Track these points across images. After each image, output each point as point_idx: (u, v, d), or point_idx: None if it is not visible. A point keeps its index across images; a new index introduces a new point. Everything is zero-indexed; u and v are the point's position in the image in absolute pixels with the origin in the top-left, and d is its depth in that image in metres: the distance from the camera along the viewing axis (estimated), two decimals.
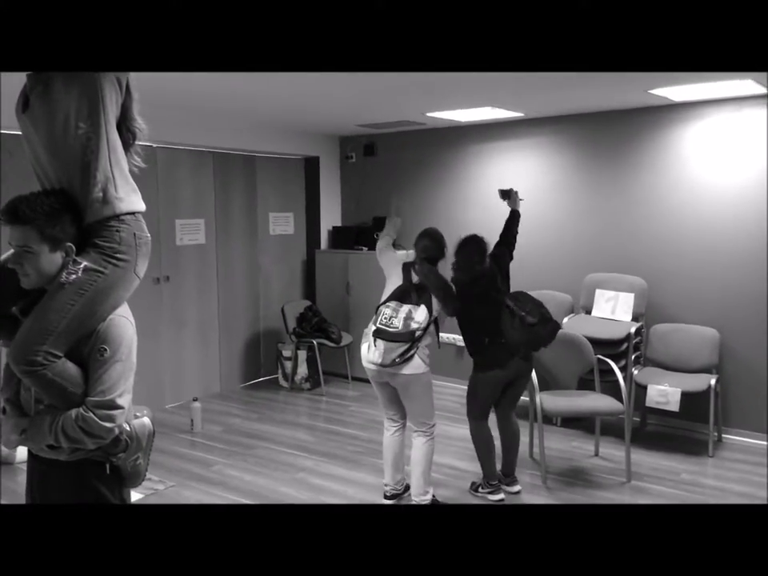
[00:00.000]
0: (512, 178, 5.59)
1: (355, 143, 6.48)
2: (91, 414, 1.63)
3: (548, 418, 4.54)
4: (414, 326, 3.37)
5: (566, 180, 5.32)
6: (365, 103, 4.65)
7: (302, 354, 5.96)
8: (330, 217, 6.63)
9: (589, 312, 4.97)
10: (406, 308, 3.41)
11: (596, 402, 4.05)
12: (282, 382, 6.10)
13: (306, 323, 5.95)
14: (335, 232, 6.51)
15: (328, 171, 6.57)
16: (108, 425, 1.65)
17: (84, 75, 1.61)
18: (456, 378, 5.99)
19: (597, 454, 4.38)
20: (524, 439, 4.52)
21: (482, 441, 3.80)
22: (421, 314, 3.40)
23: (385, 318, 3.41)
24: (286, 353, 6.04)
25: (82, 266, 1.64)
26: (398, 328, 3.36)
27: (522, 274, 5.50)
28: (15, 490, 3.88)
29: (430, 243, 3.52)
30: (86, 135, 1.63)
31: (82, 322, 1.64)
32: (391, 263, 3.63)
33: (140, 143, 1.80)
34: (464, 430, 4.86)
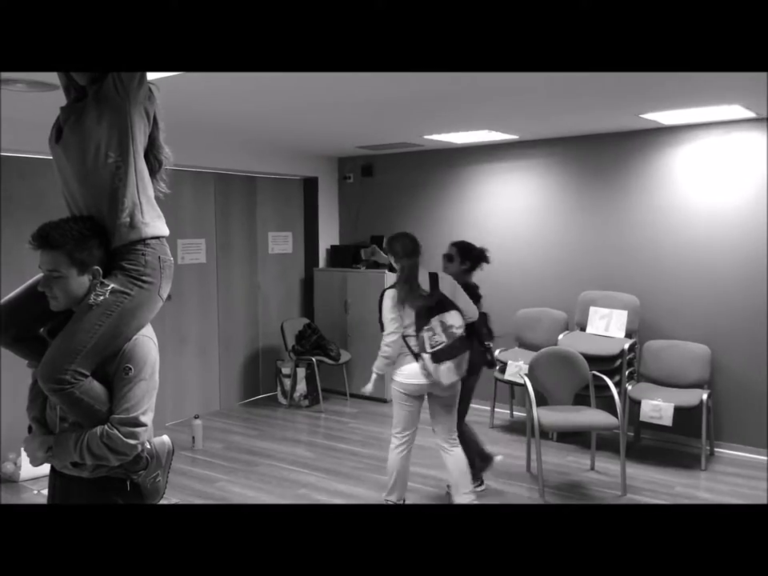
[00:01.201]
0: (507, 198, 5.72)
1: (353, 164, 6.60)
2: (116, 431, 1.70)
3: (545, 433, 4.62)
4: (456, 331, 3.47)
5: (560, 200, 5.45)
6: (364, 125, 4.77)
7: (301, 372, 6.03)
8: (328, 236, 6.74)
9: (583, 329, 5.08)
10: (436, 321, 3.46)
11: (592, 416, 4.14)
12: (281, 399, 6.16)
13: (305, 341, 6.02)
14: (333, 251, 6.61)
15: (326, 191, 6.69)
16: (132, 441, 1.72)
17: (114, 107, 1.69)
18: None
19: (593, 468, 4.47)
20: (521, 454, 4.61)
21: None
22: (454, 318, 3.49)
23: (431, 342, 3.44)
24: (285, 370, 6.11)
25: (109, 287, 1.72)
26: (445, 342, 3.44)
27: (517, 292, 5.63)
28: None
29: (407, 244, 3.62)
30: (116, 164, 1.72)
31: (108, 341, 1.72)
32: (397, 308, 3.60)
33: (166, 169, 1.89)
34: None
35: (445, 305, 3.54)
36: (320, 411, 5.91)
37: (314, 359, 5.93)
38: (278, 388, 6.22)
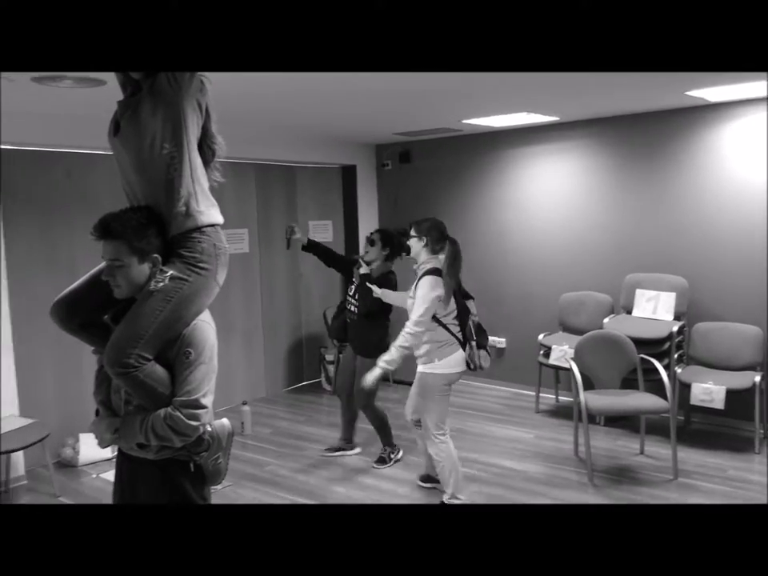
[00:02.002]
0: (548, 180, 5.66)
1: (391, 151, 6.59)
2: (179, 413, 1.75)
3: (592, 417, 4.58)
4: (475, 318, 3.59)
5: (604, 182, 5.36)
6: (401, 111, 4.75)
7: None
8: (368, 223, 6.75)
9: (629, 312, 5.01)
10: (471, 308, 3.62)
11: (641, 400, 4.09)
12: (326, 386, 6.23)
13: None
14: None
15: (365, 179, 6.70)
16: (194, 423, 1.77)
17: (168, 100, 1.74)
18: (495, 380, 6.07)
19: (642, 452, 4.42)
20: (568, 438, 4.59)
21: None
22: (472, 305, 3.61)
23: (475, 329, 3.58)
24: (329, 357, 6.18)
25: (168, 274, 1.77)
26: (473, 334, 3.58)
27: (561, 276, 5.57)
28: (79, 490, 4.06)
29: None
30: (170, 155, 1.76)
31: (169, 326, 1.77)
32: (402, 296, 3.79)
33: (219, 159, 1.93)
34: (507, 431, 4.95)
35: (466, 292, 3.66)
36: None
37: None
38: (322, 374, 6.29)
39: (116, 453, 1.98)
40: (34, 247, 4.43)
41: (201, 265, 1.81)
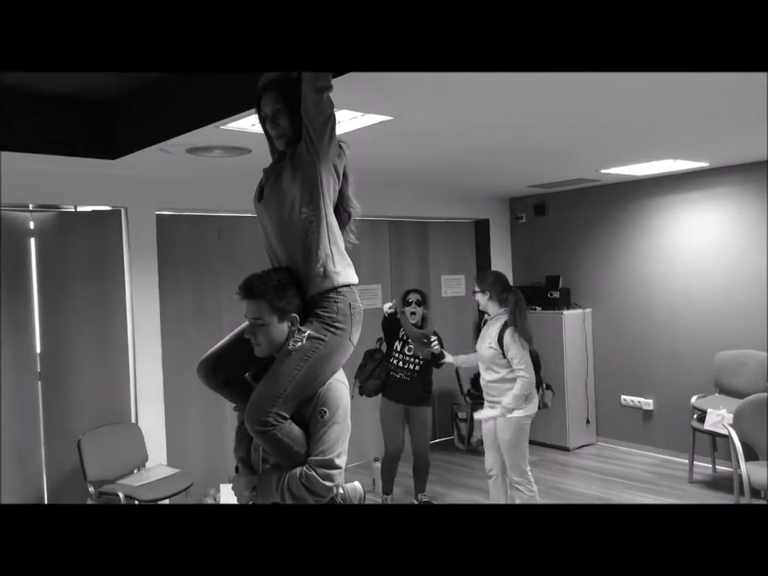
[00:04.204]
0: (696, 230, 5.30)
1: (525, 203, 6.50)
2: (314, 473, 1.75)
3: (756, 491, 4.09)
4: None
5: (760, 231, 4.92)
6: (536, 163, 4.68)
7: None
8: None
9: None
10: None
11: None
12: (458, 444, 6.08)
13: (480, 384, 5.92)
14: None
15: (498, 232, 6.63)
16: (328, 484, 1.76)
17: (307, 166, 1.80)
18: (643, 445, 5.65)
19: None
20: None
21: None
22: None
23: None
24: (462, 414, 6.05)
25: (306, 334, 1.80)
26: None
27: (715, 333, 5.13)
28: None
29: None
30: (308, 219, 1.82)
31: (306, 385, 1.79)
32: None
33: (355, 221, 1.96)
34: (657, 503, 4.54)
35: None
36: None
37: None
38: (455, 432, 6.15)
39: None
40: (185, 303, 4.75)
41: (337, 324, 1.82)
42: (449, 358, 4.30)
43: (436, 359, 4.35)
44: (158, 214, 4.51)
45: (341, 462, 1.80)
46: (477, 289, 3.92)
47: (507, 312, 3.79)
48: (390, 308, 4.42)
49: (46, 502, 4.17)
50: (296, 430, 1.79)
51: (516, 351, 3.70)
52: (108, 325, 4.42)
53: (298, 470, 1.76)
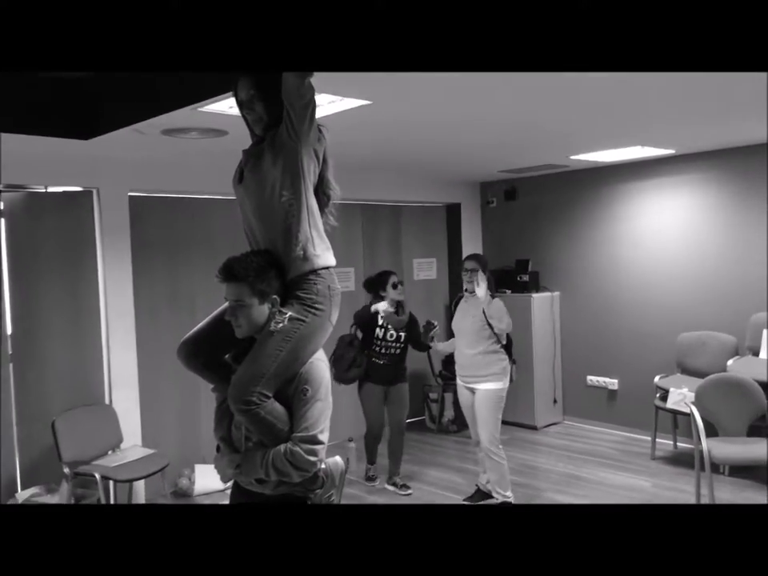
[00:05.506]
0: (662, 215, 5.44)
1: (496, 188, 6.58)
2: (298, 449, 1.80)
3: (715, 466, 4.27)
4: None
5: (724, 216, 5.09)
6: (507, 149, 4.74)
7: (449, 397, 6.03)
8: None
9: (756, 354, 4.67)
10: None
11: None
12: (429, 424, 6.19)
13: (452, 366, 6.02)
14: None
15: (469, 217, 6.71)
16: (312, 458, 1.81)
17: (287, 150, 1.83)
18: (608, 423, 5.82)
19: None
20: (688, 488, 4.30)
21: None
22: None
23: None
24: (433, 395, 6.15)
25: (287, 315, 1.84)
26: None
27: (678, 315, 5.30)
28: None
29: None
30: (289, 202, 1.85)
31: (288, 365, 1.84)
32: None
33: (335, 203, 2.00)
34: (623, 478, 4.71)
35: None
36: (468, 437, 5.85)
37: None
38: (426, 413, 6.26)
39: (229, 485, 2.05)
40: (158, 285, 4.74)
41: (317, 306, 1.86)
42: (437, 347, 4.57)
43: (425, 345, 4.56)
44: (130, 196, 4.47)
45: (324, 437, 1.85)
46: (476, 268, 4.10)
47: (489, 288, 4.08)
48: (384, 311, 4.42)
49: (18, 483, 4.16)
50: (279, 408, 1.84)
51: (503, 310, 4.03)
52: (80, 307, 4.40)
53: (282, 447, 1.81)
